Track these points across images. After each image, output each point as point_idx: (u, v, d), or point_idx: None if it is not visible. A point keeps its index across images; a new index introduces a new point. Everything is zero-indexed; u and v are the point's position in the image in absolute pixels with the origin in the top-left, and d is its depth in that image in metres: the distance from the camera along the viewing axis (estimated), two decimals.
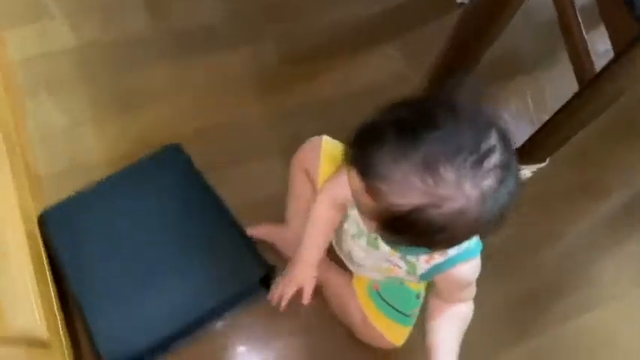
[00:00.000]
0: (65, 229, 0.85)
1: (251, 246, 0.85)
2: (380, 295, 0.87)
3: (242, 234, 0.86)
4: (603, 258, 1.05)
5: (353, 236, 0.79)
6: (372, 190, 0.53)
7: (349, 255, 0.84)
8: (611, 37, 0.79)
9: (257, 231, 0.94)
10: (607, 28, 0.79)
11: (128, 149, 1.01)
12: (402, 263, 0.72)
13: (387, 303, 0.87)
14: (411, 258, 0.70)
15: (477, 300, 0.94)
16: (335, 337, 0.92)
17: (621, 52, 0.77)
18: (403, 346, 0.88)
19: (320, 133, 0.88)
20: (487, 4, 0.88)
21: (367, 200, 0.55)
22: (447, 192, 0.51)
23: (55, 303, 0.80)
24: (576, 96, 0.88)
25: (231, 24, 1.20)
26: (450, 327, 0.75)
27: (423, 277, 0.71)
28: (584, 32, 0.84)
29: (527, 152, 1.02)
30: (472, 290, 0.75)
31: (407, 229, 0.54)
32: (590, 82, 0.84)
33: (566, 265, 1.04)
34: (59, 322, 0.78)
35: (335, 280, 0.92)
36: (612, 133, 1.16)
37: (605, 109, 0.88)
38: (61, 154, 1.03)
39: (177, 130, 1.04)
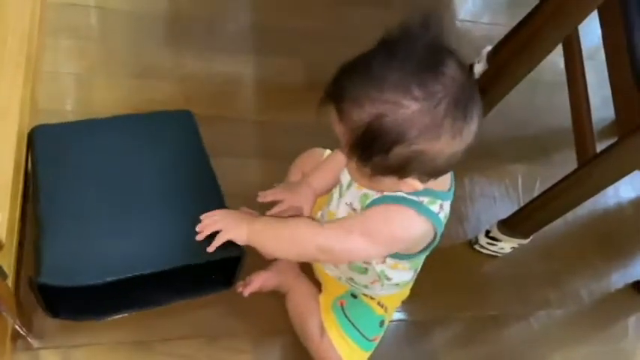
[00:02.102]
0: (51, 148, 0.81)
1: None
2: (343, 311, 0.85)
3: None
4: (552, 351, 1.06)
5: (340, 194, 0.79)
6: (340, 114, 0.60)
7: None
8: (618, 121, 0.85)
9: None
10: (616, 112, 0.85)
11: (127, 112, 1.00)
12: (359, 205, 0.72)
13: (349, 320, 0.84)
14: (369, 192, 0.70)
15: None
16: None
17: (625, 135, 0.82)
18: None
19: None
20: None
21: (340, 129, 0.61)
22: (396, 96, 0.56)
23: (17, 216, 0.75)
24: (572, 174, 0.92)
25: (267, 33, 1.25)
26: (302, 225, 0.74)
27: (368, 205, 0.70)
28: (591, 112, 0.90)
29: (512, 225, 1.04)
30: (344, 233, 0.70)
31: (371, 144, 0.58)
32: (588, 161, 0.89)
33: (523, 344, 1.04)
34: (15, 234, 0.74)
35: (301, 289, 0.89)
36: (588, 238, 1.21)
37: (596, 192, 0.92)
38: (63, 96, 1.02)
39: (179, 109, 1.03)
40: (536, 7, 0.98)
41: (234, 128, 1.09)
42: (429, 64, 0.57)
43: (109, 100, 1.04)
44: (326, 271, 0.87)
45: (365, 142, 0.59)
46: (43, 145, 0.82)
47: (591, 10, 0.87)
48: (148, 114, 0.92)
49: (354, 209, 0.74)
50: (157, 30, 1.17)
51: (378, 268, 0.79)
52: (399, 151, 0.58)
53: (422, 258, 0.80)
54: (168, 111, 0.92)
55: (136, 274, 0.73)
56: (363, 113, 0.57)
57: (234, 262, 0.81)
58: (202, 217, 0.76)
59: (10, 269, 0.69)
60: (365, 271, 0.80)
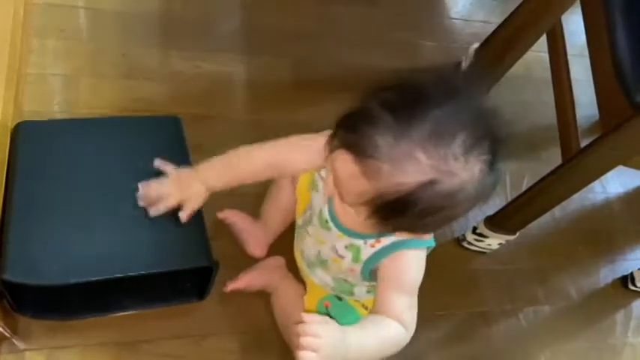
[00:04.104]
0: (33, 144, 0.81)
1: (205, 236, 0.81)
2: (328, 313, 0.84)
3: (201, 223, 0.81)
4: (541, 347, 1.06)
5: (308, 221, 0.78)
6: (371, 171, 0.52)
7: (302, 252, 0.84)
8: (602, 118, 0.85)
9: (231, 214, 0.92)
10: (599, 109, 0.85)
11: (115, 113, 1.01)
12: (346, 252, 0.70)
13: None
14: (356, 241, 0.68)
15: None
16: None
17: (608, 131, 0.83)
18: None
19: None
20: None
21: (360, 185, 0.53)
22: (452, 166, 0.51)
23: None
24: (557, 169, 0.92)
25: (256, 33, 1.25)
26: (372, 326, 0.66)
27: (367, 263, 0.68)
28: (578, 108, 0.90)
29: (499, 221, 1.05)
30: (409, 310, 0.69)
31: (404, 210, 0.53)
32: (573, 156, 0.89)
33: (511, 341, 1.05)
34: None
35: (286, 290, 0.90)
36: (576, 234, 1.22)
37: (581, 187, 0.92)
38: (50, 97, 1.02)
39: (168, 109, 1.03)
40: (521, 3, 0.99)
41: (222, 128, 1.09)
42: (481, 132, 0.52)
43: (96, 101, 1.04)
44: (311, 278, 0.87)
45: (400, 206, 0.52)
46: (25, 140, 0.81)
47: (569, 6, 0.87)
48: (135, 117, 0.92)
49: (340, 256, 0.73)
50: (145, 30, 1.17)
51: (364, 289, 0.80)
52: (429, 220, 0.55)
53: None
54: (156, 115, 0.92)
55: (101, 277, 0.73)
56: (406, 178, 0.51)
57: (207, 273, 0.80)
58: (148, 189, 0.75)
59: None
60: (351, 289, 0.82)
